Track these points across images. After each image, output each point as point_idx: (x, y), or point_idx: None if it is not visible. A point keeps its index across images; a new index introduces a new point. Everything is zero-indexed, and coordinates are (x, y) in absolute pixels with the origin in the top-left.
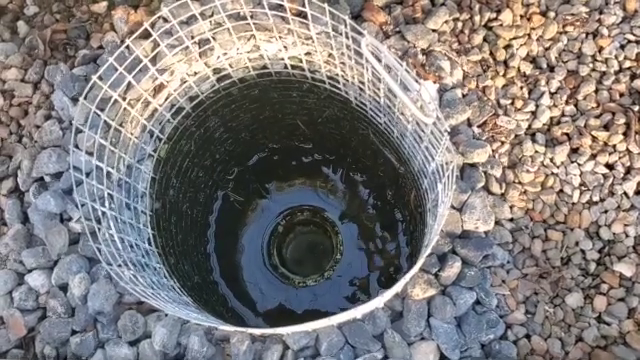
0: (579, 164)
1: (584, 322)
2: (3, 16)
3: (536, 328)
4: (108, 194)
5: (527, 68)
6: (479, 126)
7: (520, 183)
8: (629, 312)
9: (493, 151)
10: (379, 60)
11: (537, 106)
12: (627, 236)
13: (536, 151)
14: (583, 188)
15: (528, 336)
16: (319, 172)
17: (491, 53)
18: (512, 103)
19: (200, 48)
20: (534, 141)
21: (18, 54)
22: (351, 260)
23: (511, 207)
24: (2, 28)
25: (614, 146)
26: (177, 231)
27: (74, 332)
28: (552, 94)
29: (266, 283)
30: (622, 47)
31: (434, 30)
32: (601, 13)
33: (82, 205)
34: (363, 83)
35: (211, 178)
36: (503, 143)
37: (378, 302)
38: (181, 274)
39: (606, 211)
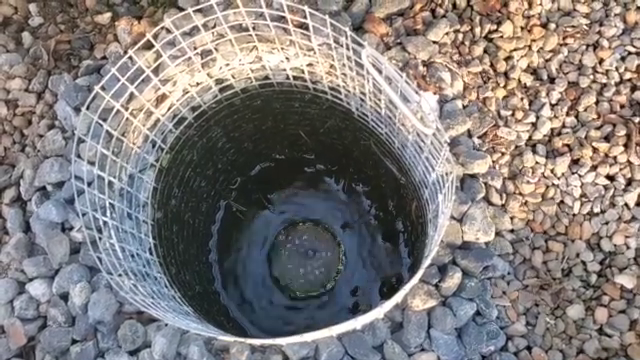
0: (580, 175)
1: (585, 334)
2: (8, 27)
3: (537, 340)
4: (109, 203)
5: (528, 79)
6: (479, 137)
7: (521, 194)
8: (630, 324)
9: (493, 162)
10: (379, 71)
11: (538, 117)
12: (628, 248)
13: (537, 162)
14: (584, 199)
15: (529, 348)
16: (321, 182)
17: (492, 65)
18: (513, 114)
19: (202, 59)
20: (535, 152)
21: (22, 64)
22: (353, 271)
23: (512, 218)
24: (7, 39)
25: (615, 157)
26: (179, 241)
27: (74, 341)
28: (553, 105)
29: (267, 293)
30: (622, 59)
31: (435, 42)
32: (601, 25)
33: (83, 214)
34: (364, 94)
35: (213, 188)
36: (503, 154)
37: (378, 313)
38: (182, 284)
39: (607, 222)
